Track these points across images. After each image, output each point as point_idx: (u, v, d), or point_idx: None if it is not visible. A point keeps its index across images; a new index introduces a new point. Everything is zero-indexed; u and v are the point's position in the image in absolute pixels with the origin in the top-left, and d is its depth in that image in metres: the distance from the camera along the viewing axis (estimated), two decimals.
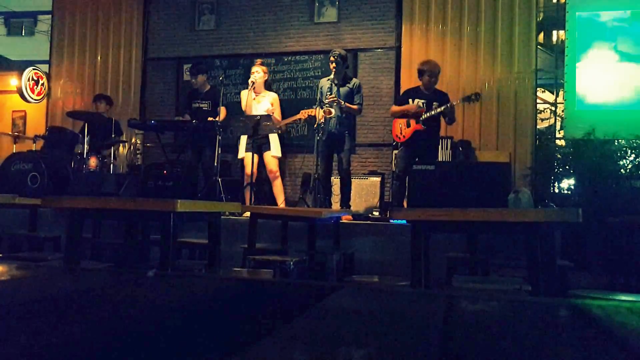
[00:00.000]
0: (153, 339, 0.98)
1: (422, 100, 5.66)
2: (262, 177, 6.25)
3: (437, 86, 5.83)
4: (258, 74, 6.08)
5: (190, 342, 0.94)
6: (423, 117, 5.58)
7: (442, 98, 5.64)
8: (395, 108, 5.85)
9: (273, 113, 6.01)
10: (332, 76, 5.77)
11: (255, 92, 6.11)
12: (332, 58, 5.76)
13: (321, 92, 5.84)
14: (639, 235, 4.70)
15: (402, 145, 5.80)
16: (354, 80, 5.97)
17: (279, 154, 6.12)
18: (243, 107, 6.18)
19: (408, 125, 5.68)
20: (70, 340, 0.95)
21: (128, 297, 1.43)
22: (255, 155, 5.94)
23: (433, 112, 5.55)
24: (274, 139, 6.04)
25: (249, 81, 6.08)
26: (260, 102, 6.11)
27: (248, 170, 5.90)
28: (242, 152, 6.06)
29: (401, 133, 5.72)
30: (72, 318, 1.12)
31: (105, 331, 1.02)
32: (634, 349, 1.00)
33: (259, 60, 6.32)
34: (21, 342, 0.91)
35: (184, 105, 6.95)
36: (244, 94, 6.20)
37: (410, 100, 5.72)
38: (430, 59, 6.02)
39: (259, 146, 5.97)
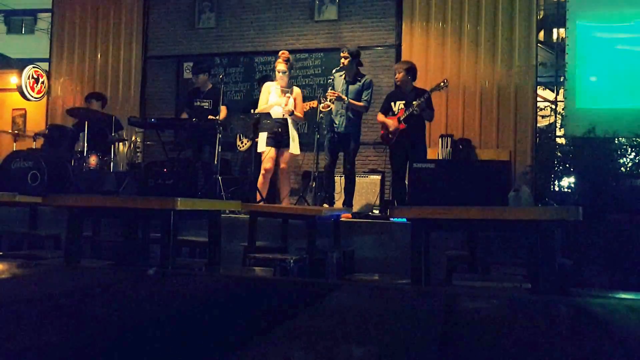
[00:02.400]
0: (153, 336, 0.98)
1: (402, 101, 5.75)
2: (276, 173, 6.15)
3: (415, 84, 5.86)
4: (285, 74, 5.87)
5: (191, 339, 0.94)
6: (402, 117, 5.65)
7: (422, 95, 5.68)
8: (380, 117, 5.95)
9: (295, 108, 5.90)
10: (342, 72, 5.75)
11: (280, 87, 5.96)
12: (342, 54, 5.74)
13: (332, 86, 5.77)
14: (639, 233, 4.70)
15: (389, 148, 5.88)
16: (365, 77, 5.86)
17: (297, 151, 5.94)
18: (264, 101, 5.93)
19: (391, 129, 5.77)
20: (71, 337, 0.95)
21: (128, 295, 1.43)
22: (273, 150, 5.83)
23: (412, 110, 5.61)
24: (294, 135, 5.85)
25: (279, 72, 5.83)
26: (283, 95, 5.93)
27: (266, 164, 5.79)
28: (261, 147, 5.89)
29: (388, 136, 5.79)
30: (73, 316, 1.12)
31: (105, 329, 1.02)
32: (633, 347, 1.00)
33: (285, 54, 5.98)
34: (22, 340, 0.91)
35: (183, 104, 6.90)
36: (266, 87, 6.04)
37: (392, 104, 5.83)
38: (406, 60, 6.16)
39: (279, 141, 5.85)
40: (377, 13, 7.80)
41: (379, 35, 7.77)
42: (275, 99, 5.87)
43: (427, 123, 5.95)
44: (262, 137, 5.78)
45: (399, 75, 5.80)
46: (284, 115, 5.74)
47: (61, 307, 1.22)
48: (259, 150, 5.95)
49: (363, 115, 5.98)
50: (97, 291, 1.48)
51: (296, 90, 6.02)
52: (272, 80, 6.03)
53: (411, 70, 5.80)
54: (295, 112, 5.81)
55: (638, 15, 7.21)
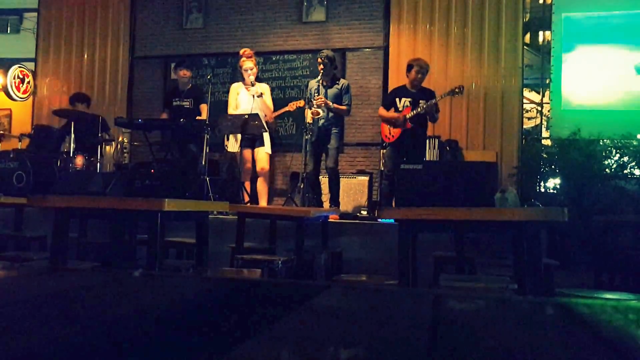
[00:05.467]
0: (138, 339, 0.98)
1: (409, 99, 5.67)
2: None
3: (424, 85, 5.84)
4: (252, 70, 6.05)
5: (176, 342, 0.94)
6: (409, 115, 5.59)
7: (429, 95, 5.64)
8: (382, 112, 5.85)
9: (265, 102, 6.07)
10: (319, 77, 5.79)
11: (246, 85, 6.09)
12: (319, 59, 5.77)
13: (310, 93, 5.86)
14: (624, 234, 4.75)
15: (389, 145, 5.80)
16: (342, 81, 5.98)
17: (270, 151, 6.13)
18: (233, 102, 6.13)
19: (395, 125, 5.70)
20: (55, 341, 0.94)
21: (114, 297, 1.42)
22: (249, 151, 5.96)
23: (419, 110, 5.55)
24: (265, 134, 6.03)
25: (248, 81, 6.02)
26: (256, 92, 6.07)
27: (248, 165, 5.98)
28: (235, 147, 6.04)
29: (390, 133, 5.73)
30: (58, 318, 1.11)
31: (90, 332, 1.01)
32: (619, 348, 1.01)
33: (248, 52, 6.16)
34: (4, 343, 0.90)
35: (163, 104, 6.96)
36: (234, 89, 6.19)
37: (397, 100, 5.73)
38: (422, 58, 6.03)
39: (252, 142, 5.96)
40: (365, 15, 7.82)
41: (367, 37, 7.79)
42: (245, 98, 6.01)
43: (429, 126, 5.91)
44: (237, 137, 5.97)
45: (418, 75, 5.67)
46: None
47: (46, 310, 1.21)
48: (231, 150, 6.10)
49: (351, 115, 6.02)
50: (83, 293, 1.47)
51: (264, 86, 6.16)
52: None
53: (423, 70, 5.71)
54: (265, 109, 6.01)
55: (623, 17, 7.29)
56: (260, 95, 5.94)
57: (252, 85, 6.01)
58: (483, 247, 4.37)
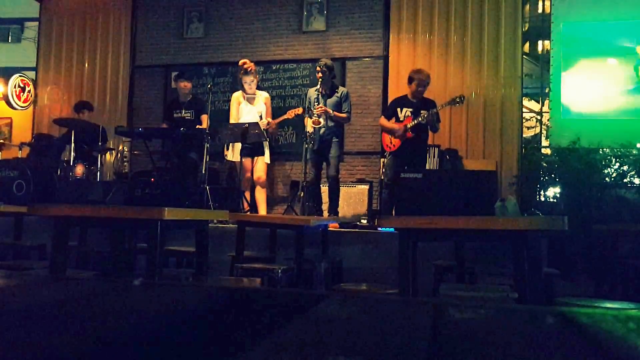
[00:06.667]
0: (137, 349, 0.98)
1: (410, 109, 5.69)
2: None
3: (425, 95, 5.86)
4: (253, 82, 6.11)
5: (176, 352, 0.93)
6: (410, 125, 5.61)
7: (430, 105, 5.67)
8: (383, 122, 5.88)
9: (266, 112, 6.15)
10: (318, 86, 5.81)
11: (248, 94, 6.15)
12: (318, 68, 5.80)
13: (309, 102, 5.88)
14: (624, 243, 4.74)
15: (390, 154, 5.82)
16: (342, 89, 6.01)
17: (269, 161, 6.16)
18: (235, 112, 6.17)
19: (396, 136, 5.72)
20: (54, 351, 0.94)
21: (114, 306, 1.42)
22: (249, 160, 6.00)
23: (420, 119, 5.58)
24: (265, 144, 6.07)
25: (247, 92, 6.12)
26: (255, 104, 6.14)
27: (248, 175, 6.03)
28: (235, 156, 6.07)
29: (391, 142, 5.76)
30: (57, 328, 1.11)
31: (89, 341, 1.01)
32: (620, 357, 1.01)
33: (249, 65, 6.21)
34: (3, 353, 0.90)
35: (164, 116, 7.00)
36: (235, 99, 6.23)
37: (398, 110, 5.76)
38: (423, 69, 6.03)
39: (252, 151, 5.99)
40: (364, 24, 7.85)
41: (367, 46, 7.82)
42: (246, 109, 6.11)
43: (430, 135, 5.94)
44: (237, 147, 5.96)
45: (419, 88, 5.69)
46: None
47: (45, 319, 1.21)
48: (230, 159, 6.14)
49: (351, 124, 6.04)
50: (82, 302, 1.46)
51: (265, 95, 6.21)
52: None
53: (424, 83, 5.73)
54: (267, 119, 6.09)
55: (622, 26, 7.32)
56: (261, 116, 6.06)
57: (253, 94, 6.10)
58: (483, 256, 4.37)
